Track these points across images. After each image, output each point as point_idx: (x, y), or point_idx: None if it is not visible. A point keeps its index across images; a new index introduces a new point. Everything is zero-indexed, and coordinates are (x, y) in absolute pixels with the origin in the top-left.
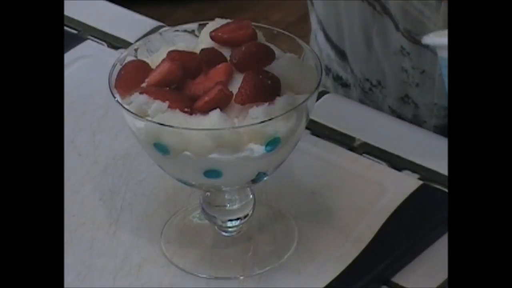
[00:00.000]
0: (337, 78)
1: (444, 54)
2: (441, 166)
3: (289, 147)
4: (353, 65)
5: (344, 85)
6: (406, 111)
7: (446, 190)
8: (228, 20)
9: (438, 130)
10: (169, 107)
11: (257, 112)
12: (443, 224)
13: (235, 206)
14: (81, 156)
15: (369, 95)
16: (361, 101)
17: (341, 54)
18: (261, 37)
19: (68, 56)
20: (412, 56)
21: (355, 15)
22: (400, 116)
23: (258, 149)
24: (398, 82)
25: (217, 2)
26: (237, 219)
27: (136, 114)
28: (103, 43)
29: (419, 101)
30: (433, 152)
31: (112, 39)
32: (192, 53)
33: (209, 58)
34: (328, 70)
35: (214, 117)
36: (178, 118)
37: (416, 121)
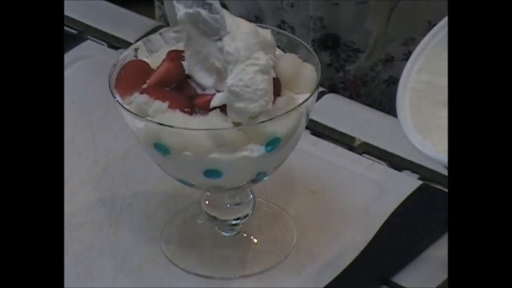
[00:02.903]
0: None
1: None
2: (441, 166)
3: (289, 147)
4: (231, 10)
5: None
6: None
7: (446, 190)
8: None
9: (316, 43)
10: (169, 107)
11: None
12: (443, 224)
13: (235, 206)
14: (81, 156)
15: None
16: None
17: (224, 5)
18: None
19: (68, 56)
20: None
21: None
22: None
23: (258, 149)
24: (273, 9)
25: None
26: (237, 219)
27: (136, 114)
28: (103, 43)
29: (295, 23)
30: None
31: (112, 39)
32: None
33: None
34: None
35: (214, 117)
36: (178, 118)
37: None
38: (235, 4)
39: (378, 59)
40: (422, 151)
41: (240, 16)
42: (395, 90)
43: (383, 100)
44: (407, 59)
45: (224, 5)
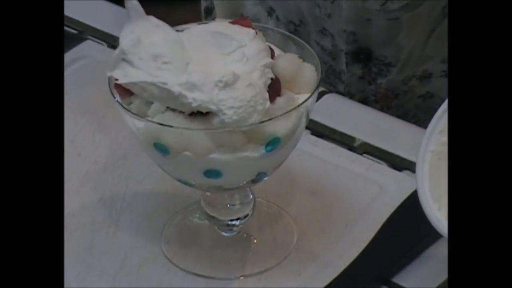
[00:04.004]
0: (278, 19)
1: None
2: None
3: (289, 147)
4: (277, 12)
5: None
6: (327, 42)
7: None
8: (229, 20)
9: (349, 56)
10: (168, 107)
11: None
12: None
13: (235, 206)
14: (81, 156)
15: (296, 34)
16: None
17: (269, 7)
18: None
19: (68, 56)
20: None
21: None
22: (322, 47)
23: (258, 149)
24: (314, 17)
25: None
26: (237, 219)
27: (136, 114)
28: (103, 43)
29: (333, 31)
30: None
31: (112, 39)
32: None
33: None
34: (271, 10)
35: (214, 117)
36: (178, 118)
37: (335, 50)
38: (279, 5)
39: (412, 74)
40: (437, 227)
41: (285, 18)
42: (432, 104)
43: (418, 113)
44: (445, 76)
45: (270, 7)
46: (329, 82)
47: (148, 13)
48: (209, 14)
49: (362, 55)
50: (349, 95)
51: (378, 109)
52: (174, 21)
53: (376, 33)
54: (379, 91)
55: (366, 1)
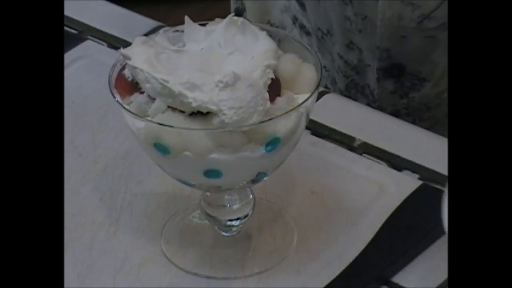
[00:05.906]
0: (302, 27)
1: None
2: (441, 166)
3: (289, 147)
4: (309, 16)
5: (307, 33)
6: (352, 56)
7: (446, 190)
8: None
9: (381, 72)
10: (169, 107)
11: None
12: (443, 224)
13: (235, 206)
14: (81, 156)
15: (322, 42)
16: (318, 48)
17: (302, 5)
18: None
19: (68, 56)
20: (354, 4)
21: None
22: (346, 62)
23: (258, 149)
24: (343, 30)
25: (217, 2)
26: (237, 219)
27: (136, 114)
28: (103, 43)
29: (362, 46)
30: (433, 152)
31: (112, 39)
32: None
33: None
34: (295, 19)
35: (214, 117)
36: (178, 118)
37: (361, 65)
38: (312, 9)
39: (446, 88)
40: None
41: (315, 24)
42: None
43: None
44: None
45: (294, 16)
46: (348, 96)
47: (148, 12)
48: (240, 16)
49: (395, 71)
50: (380, 108)
51: (409, 122)
52: (174, 21)
53: (411, 50)
54: (411, 105)
55: (402, 19)
